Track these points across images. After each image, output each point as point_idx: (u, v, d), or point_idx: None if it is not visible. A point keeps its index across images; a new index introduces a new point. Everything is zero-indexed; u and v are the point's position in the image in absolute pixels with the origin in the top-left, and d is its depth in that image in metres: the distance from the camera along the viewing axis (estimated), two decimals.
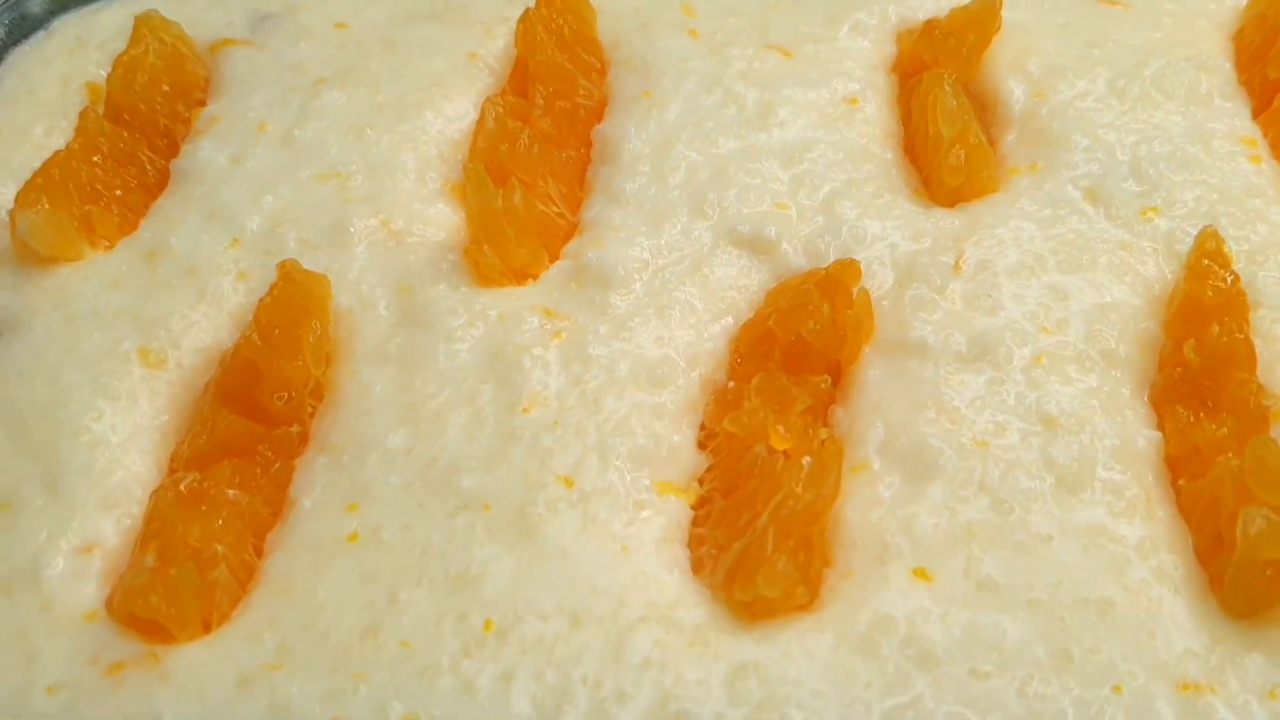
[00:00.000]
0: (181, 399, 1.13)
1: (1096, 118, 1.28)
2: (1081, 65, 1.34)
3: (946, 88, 1.24)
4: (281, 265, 1.13)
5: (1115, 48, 1.36)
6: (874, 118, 1.31)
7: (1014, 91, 1.32)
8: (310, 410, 1.11)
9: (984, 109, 1.32)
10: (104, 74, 1.38)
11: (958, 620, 0.95)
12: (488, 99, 1.30)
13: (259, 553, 1.03)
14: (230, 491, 1.04)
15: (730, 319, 1.16)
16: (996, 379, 1.09)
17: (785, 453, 1.03)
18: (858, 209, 1.22)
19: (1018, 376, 1.09)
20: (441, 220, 1.23)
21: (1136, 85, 1.31)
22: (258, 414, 1.09)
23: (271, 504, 1.06)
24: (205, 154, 1.30)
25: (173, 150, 1.33)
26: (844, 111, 1.31)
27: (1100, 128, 1.27)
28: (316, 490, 1.06)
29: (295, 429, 1.10)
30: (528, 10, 1.35)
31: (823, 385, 1.09)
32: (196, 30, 1.42)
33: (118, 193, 1.26)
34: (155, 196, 1.29)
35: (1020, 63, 1.35)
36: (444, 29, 1.41)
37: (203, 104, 1.37)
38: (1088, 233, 1.19)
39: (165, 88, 1.36)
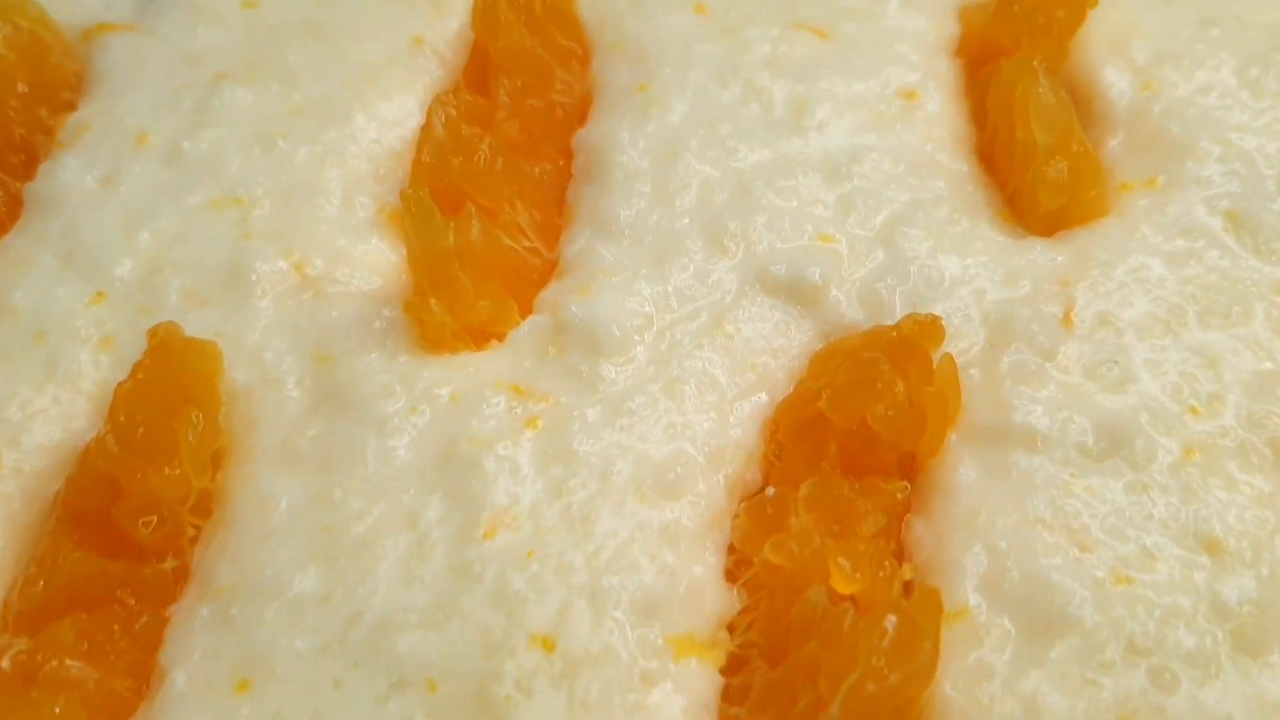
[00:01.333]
0: (21, 519, 0.82)
1: (1226, 118, 0.99)
2: (1199, 49, 1.04)
3: (1041, 81, 0.94)
4: (153, 332, 0.83)
5: (1238, 25, 1.06)
6: (938, 116, 1.01)
7: (1116, 83, 1.02)
8: (191, 534, 0.81)
9: (1077, 104, 1.02)
10: None
11: None
12: (436, 97, 0.99)
13: None
14: (73, 665, 0.73)
15: (763, 395, 0.86)
16: (1136, 483, 0.79)
17: (853, 599, 0.73)
18: (928, 241, 0.92)
19: (1164, 479, 0.79)
20: (374, 261, 0.93)
21: (1274, 75, 1.01)
22: (116, 546, 0.78)
23: (133, 675, 0.76)
24: (67, 174, 0.99)
25: (30, 169, 1.02)
26: (900, 109, 1.01)
27: (1233, 130, 0.98)
28: (195, 657, 0.75)
29: (169, 564, 0.80)
30: None
31: (899, 495, 0.79)
32: (66, 11, 1.11)
33: None
34: (1, 232, 0.98)
35: (1121, 45, 1.05)
36: (381, 6, 1.10)
37: (71, 107, 1.07)
38: (1233, 272, 0.90)
39: (21, 87, 1.05)
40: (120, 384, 0.81)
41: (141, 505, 0.78)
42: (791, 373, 0.88)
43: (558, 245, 0.96)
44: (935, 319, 0.83)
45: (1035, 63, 0.96)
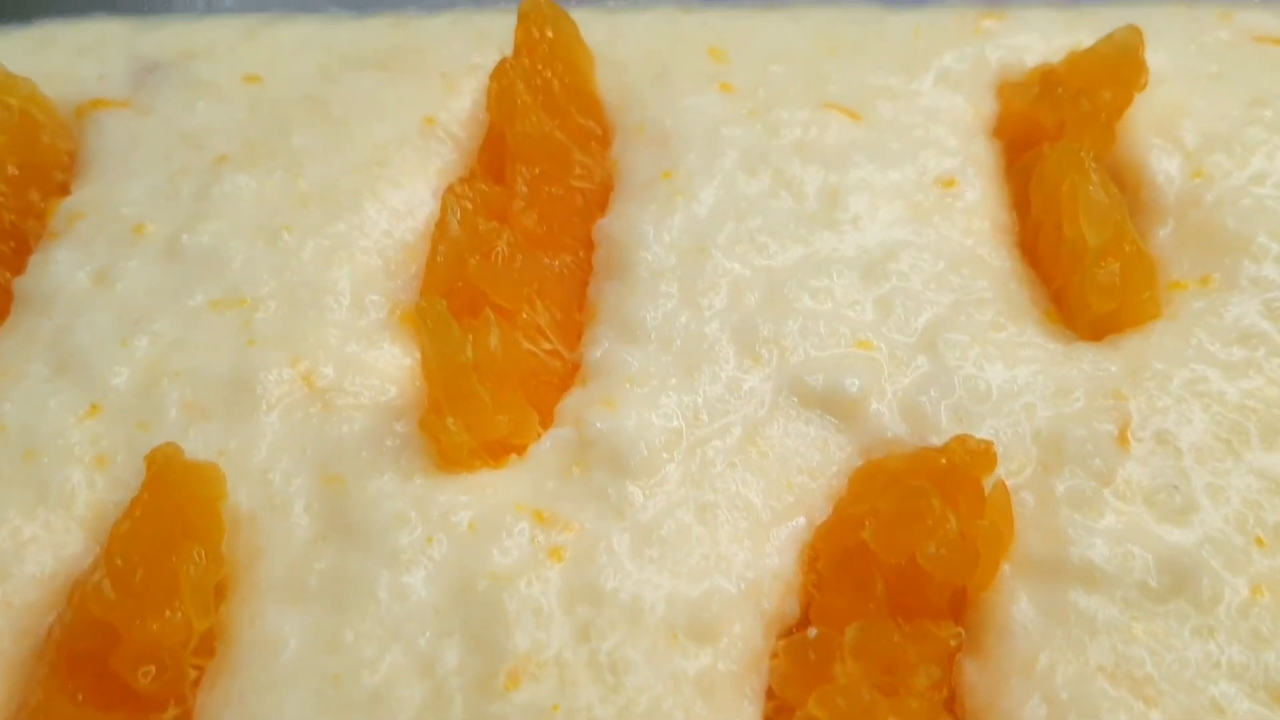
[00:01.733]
0: (10, 655, 0.77)
1: None
2: (1251, 133, 0.99)
3: (1091, 176, 0.89)
4: (152, 459, 0.78)
5: None
6: (978, 205, 0.96)
7: (1164, 168, 0.97)
8: (194, 676, 0.76)
9: (1122, 189, 0.97)
10: None
11: None
12: (450, 188, 0.94)
13: None
14: None
15: (801, 519, 0.81)
16: (1201, 628, 0.74)
17: None
18: (973, 348, 0.87)
19: (1231, 622, 0.75)
20: (387, 368, 0.88)
21: None
22: (114, 696, 0.73)
23: None
24: (60, 269, 0.93)
25: (20, 258, 0.97)
26: (938, 198, 0.96)
27: None
28: None
29: (170, 712, 0.74)
30: (504, 61, 0.99)
31: (953, 641, 0.74)
32: (58, 87, 1.06)
33: None
34: None
35: (1167, 127, 1.00)
36: (390, 82, 1.05)
37: (64, 190, 1.01)
38: None
39: (11, 170, 1.00)
40: (116, 524, 0.76)
41: (141, 653, 0.73)
42: (830, 493, 0.82)
43: (579, 345, 0.91)
44: (988, 446, 0.78)
45: (1084, 155, 0.91)
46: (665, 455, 0.82)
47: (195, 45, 1.09)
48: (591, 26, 1.04)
